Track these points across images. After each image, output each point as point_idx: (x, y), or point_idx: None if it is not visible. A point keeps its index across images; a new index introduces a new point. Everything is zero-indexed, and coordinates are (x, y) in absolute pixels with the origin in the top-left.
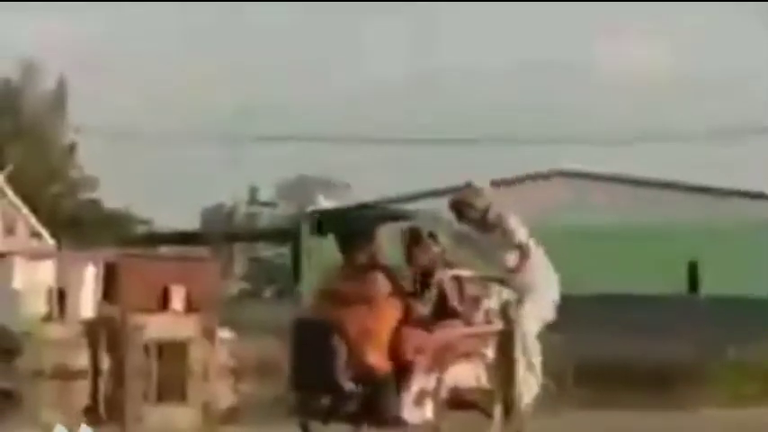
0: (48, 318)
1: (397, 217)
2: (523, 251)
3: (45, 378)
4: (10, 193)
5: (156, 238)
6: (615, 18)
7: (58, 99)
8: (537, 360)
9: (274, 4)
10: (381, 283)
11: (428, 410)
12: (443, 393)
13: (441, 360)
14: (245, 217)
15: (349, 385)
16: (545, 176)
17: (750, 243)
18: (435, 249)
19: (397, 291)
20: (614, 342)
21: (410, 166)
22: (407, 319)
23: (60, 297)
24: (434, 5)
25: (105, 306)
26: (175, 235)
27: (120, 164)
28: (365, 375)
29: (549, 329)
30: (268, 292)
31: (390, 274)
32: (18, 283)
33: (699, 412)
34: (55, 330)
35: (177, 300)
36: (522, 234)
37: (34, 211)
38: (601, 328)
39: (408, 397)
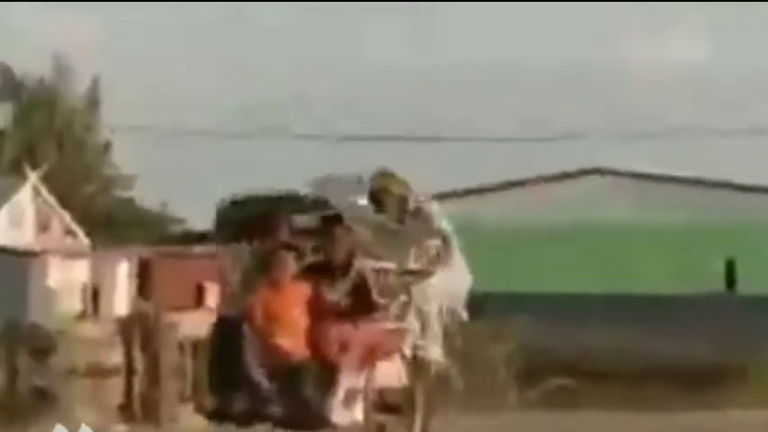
0: (82, 316)
1: (312, 205)
2: (445, 240)
3: (79, 376)
4: (44, 191)
5: (190, 237)
6: (653, 15)
7: (93, 98)
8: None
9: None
10: (286, 265)
11: (357, 412)
12: (372, 393)
13: (369, 358)
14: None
15: (263, 380)
16: (581, 174)
17: None
18: (356, 239)
19: (305, 273)
20: (649, 341)
21: (445, 163)
22: (317, 303)
23: (94, 295)
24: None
25: (139, 304)
26: (210, 233)
27: (156, 162)
28: (277, 361)
29: (581, 327)
30: None
31: (299, 256)
32: (52, 281)
33: (732, 412)
34: (89, 328)
35: (212, 297)
36: (442, 222)
37: (68, 209)
38: (635, 327)
39: (336, 397)
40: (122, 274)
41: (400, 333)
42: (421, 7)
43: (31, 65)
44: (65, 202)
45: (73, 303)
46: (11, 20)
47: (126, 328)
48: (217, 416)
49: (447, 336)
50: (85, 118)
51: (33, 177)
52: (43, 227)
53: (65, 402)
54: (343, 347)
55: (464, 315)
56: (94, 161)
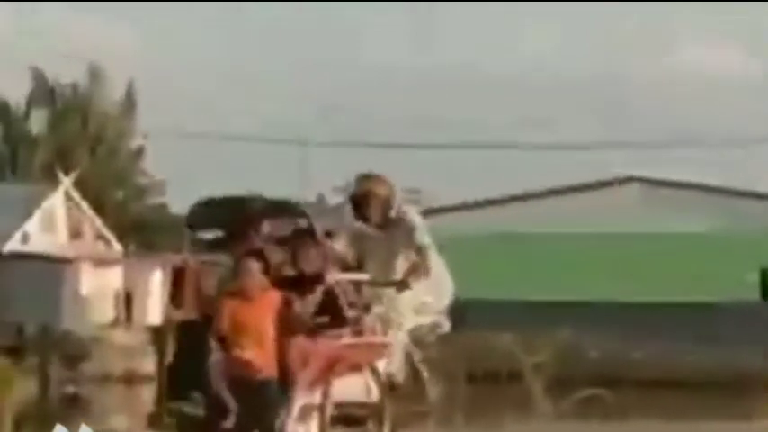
0: (115, 323)
1: (286, 210)
2: (422, 253)
3: (112, 383)
4: (77, 196)
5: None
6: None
7: (127, 103)
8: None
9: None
10: (252, 274)
11: (312, 427)
12: (329, 408)
13: (327, 372)
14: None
15: (224, 393)
16: (616, 183)
17: None
18: (328, 251)
19: (276, 283)
20: (686, 350)
21: (477, 171)
22: (287, 316)
23: (127, 302)
24: (515, 5)
25: (172, 311)
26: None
27: (189, 168)
28: (242, 376)
29: (614, 337)
30: None
31: (268, 266)
32: (85, 287)
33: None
34: (122, 335)
35: None
36: (423, 233)
37: (101, 215)
38: (672, 336)
39: (291, 412)
40: (156, 282)
41: (372, 346)
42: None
43: (64, 70)
44: (97, 208)
45: (106, 310)
46: (43, 25)
47: (159, 335)
48: (176, 426)
49: (424, 348)
50: (119, 123)
51: (66, 183)
52: (75, 233)
53: (98, 409)
54: (304, 362)
55: (446, 327)
56: (127, 167)
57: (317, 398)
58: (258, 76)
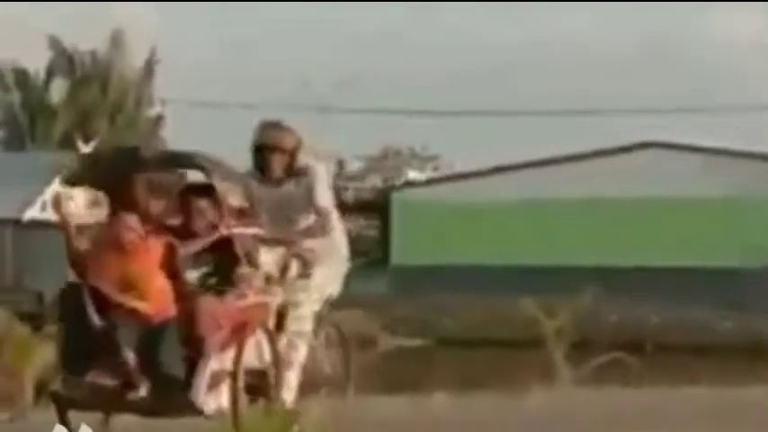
0: None
1: (176, 162)
2: (323, 214)
3: None
4: None
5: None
6: None
7: (146, 72)
8: (304, 339)
9: None
10: (130, 224)
11: (224, 398)
12: (242, 376)
13: (239, 335)
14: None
15: (126, 350)
16: (637, 147)
17: None
18: (224, 201)
19: (158, 231)
20: (706, 315)
21: (498, 138)
22: (173, 263)
23: None
24: None
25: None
26: None
27: (206, 136)
28: (136, 327)
29: (634, 303)
30: (356, 265)
31: (148, 216)
32: None
33: None
34: None
35: None
36: (326, 193)
37: None
38: (693, 301)
39: (202, 381)
40: None
41: (264, 306)
42: None
43: (86, 38)
44: None
45: None
46: None
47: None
48: (68, 403)
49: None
50: (139, 91)
51: (85, 151)
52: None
53: None
54: (217, 324)
55: (335, 292)
56: (146, 135)
57: (228, 363)
58: (278, 42)
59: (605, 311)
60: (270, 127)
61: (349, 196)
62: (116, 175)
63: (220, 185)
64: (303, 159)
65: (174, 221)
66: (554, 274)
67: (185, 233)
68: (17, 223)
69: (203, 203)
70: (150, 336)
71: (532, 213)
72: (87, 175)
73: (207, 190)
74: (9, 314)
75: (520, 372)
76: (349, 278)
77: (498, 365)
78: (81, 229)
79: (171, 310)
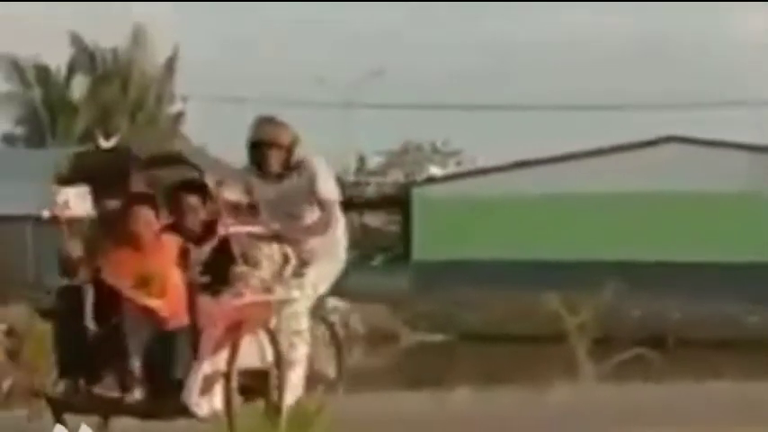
0: None
1: (171, 161)
2: (328, 207)
3: None
4: None
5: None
6: None
7: (168, 68)
8: (302, 337)
9: None
10: (145, 219)
11: (217, 399)
12: (236, 377)
13: (233, 335)
14: (352, 185)
15: (135, 353)
16: (658, 142)
17: None
18: (221, 200)
19: (167, 229)
20: (728, 310)
21: (520, 133)
22: (186, 262)
23: None
24: None
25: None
26: None
27: (227, 132)
28: (150, 328)
29: (656, 298)
30: (377, 260)
31: (156, 209)
32: None
33: None
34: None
35: None
36: (329, 184)
37: None
38: (716, 295)
39: (194, 383)
40: None
41: (265, 306)
42: None
43: (107, 35)
44: None
45: None
46: None
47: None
48: (66, 407)
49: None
50: (159, 88)
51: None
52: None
53: None
54: (213, 323)
55: (324, 290)
56: (166, 132)
57: (221, 364)
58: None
59: (627, 307)
60: (266, 122)
61: (371, 191)
62: (111, 174)
63: (212, 182)
64: (300, 153)
65: (167, 219)
66: (575, 268)
67: (177, 231)
68: (38, 220)
69: (195, 200)
70: (162, 342)
71: (554, 208)
72: (79, 174)
73: (199, 187)
74: (30, 310)
75: (542, 367)
76: (371, 274)
77: (520, 361)
78: (72, 222)
79: (185, 316)
